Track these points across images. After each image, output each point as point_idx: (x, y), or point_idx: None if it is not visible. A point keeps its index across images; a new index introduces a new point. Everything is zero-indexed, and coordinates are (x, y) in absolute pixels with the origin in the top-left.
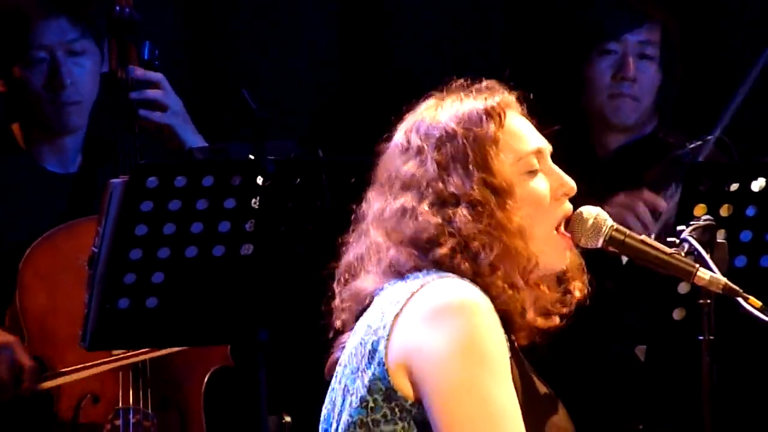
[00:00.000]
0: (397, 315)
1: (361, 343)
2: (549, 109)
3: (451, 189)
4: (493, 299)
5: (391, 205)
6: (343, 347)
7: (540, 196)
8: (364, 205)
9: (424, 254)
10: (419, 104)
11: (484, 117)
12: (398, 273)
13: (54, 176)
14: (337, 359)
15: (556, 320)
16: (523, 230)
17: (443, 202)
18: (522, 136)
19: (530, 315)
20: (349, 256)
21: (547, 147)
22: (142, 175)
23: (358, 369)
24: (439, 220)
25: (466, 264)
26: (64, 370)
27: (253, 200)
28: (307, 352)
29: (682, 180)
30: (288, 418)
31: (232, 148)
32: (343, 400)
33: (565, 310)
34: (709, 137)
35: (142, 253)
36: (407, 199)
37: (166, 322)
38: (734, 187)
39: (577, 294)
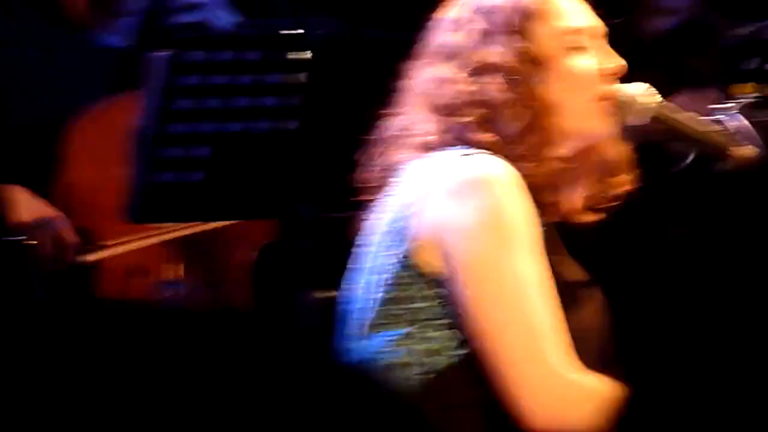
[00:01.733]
0: (424, 192)
1: (390, 222)
2: None
3: (491, 58)
4: (519, 170)
5: (433, 72)
6: (371, 213)
7: (582, 72)
8: (405, 80)
9: (454, 124)
10: None
11: None
12: (427, 148)
13: (106, 52)
14: (363, 225)
15: (599, 215)
16: (556, 106)
17: (482, 71)
18: (569, 13)
19: (568, 197)
20: (384, 129)
21: (598, 27)
22: (187, 48)
23: (389, 247)
24: (474, 87)
25: (493, 135)
26: (108, 243)
27: (300, 75)
28: (351, 228)
29: (729, 58)
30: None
31: (278, 23)
32: (377, 278)
33: (610, 203)
34: (761, 24)
35: (186, 127)
36: (448, 68)
37: (211, 196)
38: None
39: (622, 186)
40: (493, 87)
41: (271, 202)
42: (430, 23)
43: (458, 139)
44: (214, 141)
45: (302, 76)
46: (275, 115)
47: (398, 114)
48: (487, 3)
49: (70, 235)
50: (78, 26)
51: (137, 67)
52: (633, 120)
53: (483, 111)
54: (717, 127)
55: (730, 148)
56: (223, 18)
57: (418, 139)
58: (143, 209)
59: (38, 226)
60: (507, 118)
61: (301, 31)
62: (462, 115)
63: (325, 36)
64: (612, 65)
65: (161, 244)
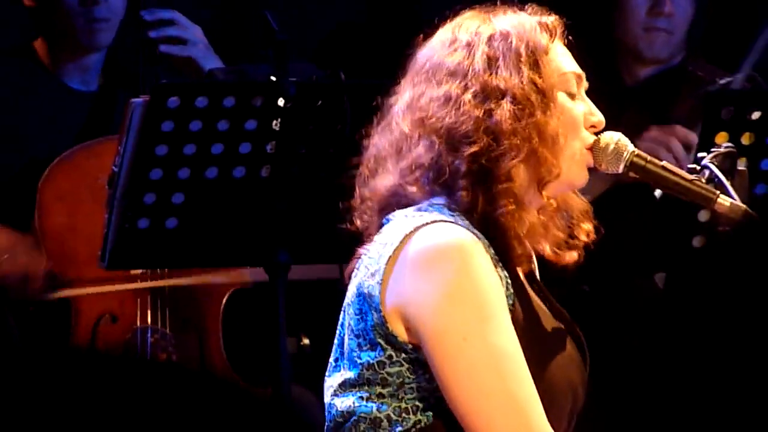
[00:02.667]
0: (390, 258)
1: (360, 286)
2: (579, 37)
3: (499, 82)
4: (494, 217)
5: (432, 92)
6: (359, 258)
7: (576, 118)
8: (391, 98)
9: (452, 152)
10: (454, 16)
11: (538, 28)
12: (414, 181)
13: (77, 94)
14: (353, 269)
15: (566, 257)
16: (556, 139)
17: (488, 95)
18: (566, 57)
19: (538, 244)
20: (371, 150)
21: (583, 75)
22: (163, 95)
23: (360, 311)
24: (479, 113)
25: (484, 170)
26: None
27: (274, 122)
28: (326, 274)
29: (703, 107)
30: (306, 341)
31: (254, 69)
32: (350, 339)
33: (574, 253)
34: (739, 74)
35: (162, 172)
36: (451, 87)
37: (185, 243)
38: (756, 115)
39: (584, 237)
40: (499, 113)
41: (247, 249)
42: (418, 43)
43: (446, 186)
44: (189, 187)
45: (276, 123)
46: (251, 162)
47: (384, 133)
48: (488, 29)
49: (39, 264)
50: (51, 69)
51: (111, 111)
52: (608, 167)
53: (485, 140)
54: (692, 176)
55: (715, 199)
56: (211, 61)
57: (405, 164)
58: (116, 255)
59: (7, 254)
60: (505, 148)
61: (274, 78)
62: (467, 142)
63: (300, 83)
64: (595, 118)
65: (134, 291)
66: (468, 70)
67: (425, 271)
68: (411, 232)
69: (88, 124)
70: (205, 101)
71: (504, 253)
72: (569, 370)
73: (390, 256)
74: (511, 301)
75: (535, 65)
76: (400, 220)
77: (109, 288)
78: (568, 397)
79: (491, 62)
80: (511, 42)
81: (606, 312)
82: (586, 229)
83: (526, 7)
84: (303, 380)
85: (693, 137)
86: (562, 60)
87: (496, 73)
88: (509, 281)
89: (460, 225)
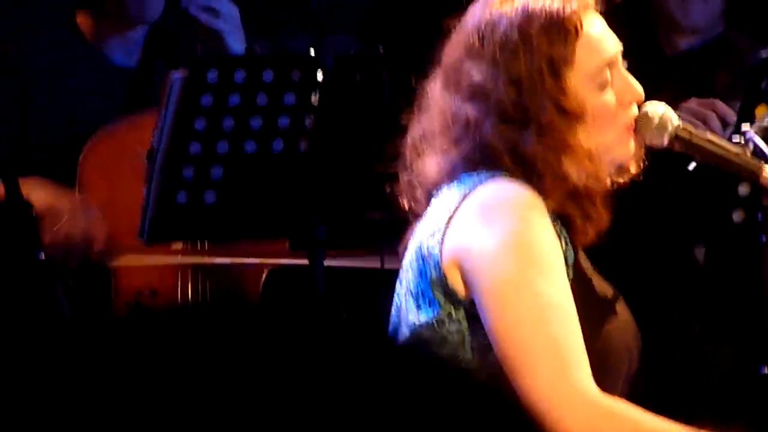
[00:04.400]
0: (450, 217)
1: (419, 247)
2: (617, 7)
3: (523, 110)
4: (551, 202)
5: (458, 110)
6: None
7: (610, 110)
8: (429, 83)
9: (486, 134)
10: None
11: (560, 31)
12: (460, 163)
13: (118, 69)
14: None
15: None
16: (591, 153)
17: (511, 120)
18: (596, 46)
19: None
20: (414, 132)
21: (619, 50)
22: (202, 69)
23: (419, 272)
24: (503, 140)
25: (526, 175)
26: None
27: (313, 96)
28: (366, 246)
29: (744, 79)
30: (344, 315)
31: (292, 44)
32: (408, 303)
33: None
34: None
35: (201, 147)
36: (473, 110)
37: (224, 217)
38: None
39: (632, 169)
40: (524, 140)
41: (285, 223)
42: (450, 24)
43: (485, 156)
44: (228, 161)
45: (315, 98)
46: (289, 136)
47: (425, 116)
48: (510, 35)
49: (101, 227)
50: (93, 43)
51: (151, 86)
52: (652, 140)
53: (514, 160)
54: (737, 149)
55: (760, 172)
56: (239, 40)
57: (451, 152)
58: (156, 228)
59: (69, 216)
60: (539, 169)
61: (312, 52)
62: (490, 161)
63: (339, 56)
64: (631, 95)
65: (173, 265)
66: (491, 94)
67: (484, 222)
68: (470, 191)
69: (130, 98)
70: (243, 75)
71: (569, 223)
72: (626, 334)
73: (450, 216)
74: (572, 260)
75: (559, 85)
76: (455, 185)
77: (159, 261)
78: (625, 361)
79: (513, 86)
80: (532, 59)
81: (646, 283)
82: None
83: None
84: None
85: (731, 114)
86: (590, 54)
87: (519, 98)
88: (568, 240)
89: (518, 182)
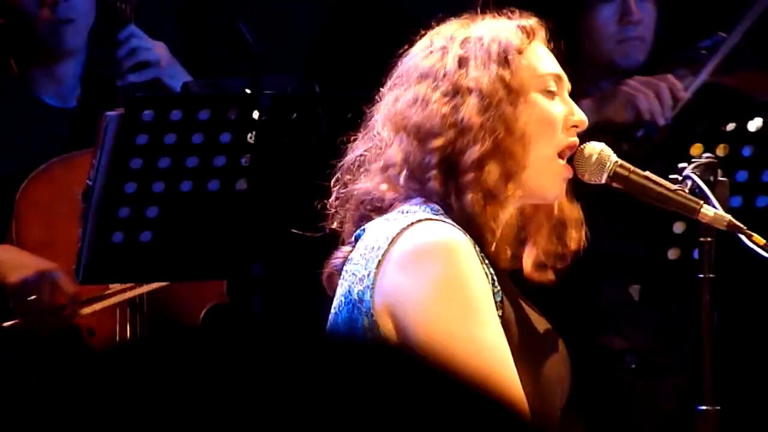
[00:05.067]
0: (379, 262)
1: (347, 293)
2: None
3: (466, 80)
4: (465, 208)
5: (405, 95)
6: (337, 260)
7: (552, 118)
8: (375, 105)
9: (421, 148)
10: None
11: (516, 30)
12: (387, 179)
13: (52, 110)
14: (331, 272)
15: (551, 275)
16: (526, 137)
17: (455, 92)
18: (545, 59)
19: (516, 249)
20: (352, 154)
21: (563, 75)
22: (137, 108)
23: (350, 318)
24: (447, 109)
25: (452, 161)
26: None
27: (249, 135)
28: (302, 287)
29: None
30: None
31: (228, 82)
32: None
33: (560, 264)
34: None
35: (136, 186)
36: (421, 88)
37: (160, 256)
38: (731, 126)
39: (572, 245)
40: (464, 108)
41: (222, 262)
42: (401, 52)
43: (418, 182)
44: (164, 200)
45: (251, 136)
46: (225, 175)
47: (365, 138)
48: (464, 33)
49: (70, 287)
50: (26, 85)
51: (88, 126)
52: (590, 177)
53: (450, 133)
54: (675, 186)
55: (698, 209)
56: (176, 76)
57: (379, 166)
58: (91, 270)
59: (36, 280)
60: (470, 139)
61: (249, 91)
62: (426, 139)
63: (275, 95)
64: (576, 118)
65: (112, 306)
66: (439, 72)
67: (413, 268)
68: (398, 234)
69: (69, 140)
70: (179, 114)
71: (481, 248)
72: (559, 365)
73: (379, 260)
74: (499, 298)
75: (505, 62)
76: (383, 224)
77: (111, 301)
78: (558, 393)
79: (462, 63)
80: (483, 43)
81: (582, 323)
82: (576, 237)
83: (511, 12)
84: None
85: (682, 92)
86: (539, 61)
87: (467, 72)
88: (495, 278)
89: (445, 222)
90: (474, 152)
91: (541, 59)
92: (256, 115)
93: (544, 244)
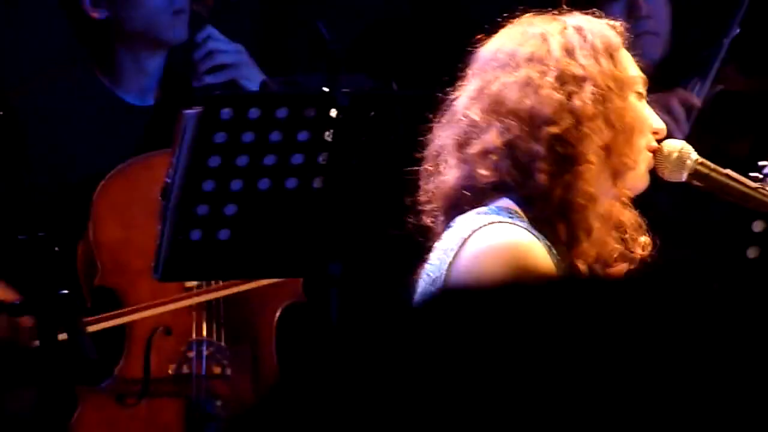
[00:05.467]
0: (449, 264)
1: (422, 294)
2: None
3: (577, 69)
4: (570, 202)
5: (507, 78)
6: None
7: (646, 117)
8: (452, 94)
9: (531, 135)
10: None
11: (606, 30)
12: (488, 167)
13: (132, 108)
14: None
15: (621, 268)
16: (633, 131)
17: (567, 80)
18: (633, 63)
19: (593, 264)
20: (433, 145)
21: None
22: (216, 106)
23: None
24: (561, 96)
25: (564, 153)
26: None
27: (327, 133)
28: (379, 286)
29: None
30: None
31: (306, 80)
32: None
33: (629, 264)
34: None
35: (215, 184)
36: (529, 72)
37: (238, 255)
38: None
39: (640, 251)
40: (579, 98)
41: (299, 261)
42: (476, 44)
43: (521, 171)
44: (242, 199)
45: (328, 134)
46: (303, 173)
47: (447, 126)
48: (560, 24)
49: (24, 321)
50: (107, 83)
51: (165, 125)
52: (670, 176)
53: (568, 120)
54: (755, 184)
55: None
56: (252, 76)
57: (470, 154)
58: (169, 267)
59: None
60: (584, 132)
61: (326, 89)
62: (547, 122)
63: (352, 94)
64: (657, 124)
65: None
66: (545, 56)
67: (479, 270)
68: (469, 235)
69: (146, 139)
70: (257, 112)
71: (571, 242)
72: None
73: (450, 262)
74: None
75: (611, 58)
76: (460, 224)
77: (162, 309)
78: None
79: (569, 51)
80: (586, 35)
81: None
82: (642, 243)
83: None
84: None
85: (694, 98)
86: (630, 63)
87: (574, 59)
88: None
89: (518, 225)
90: (590, 144)
91: (631, 62)
92: (333, 113)
93: (612, 243)
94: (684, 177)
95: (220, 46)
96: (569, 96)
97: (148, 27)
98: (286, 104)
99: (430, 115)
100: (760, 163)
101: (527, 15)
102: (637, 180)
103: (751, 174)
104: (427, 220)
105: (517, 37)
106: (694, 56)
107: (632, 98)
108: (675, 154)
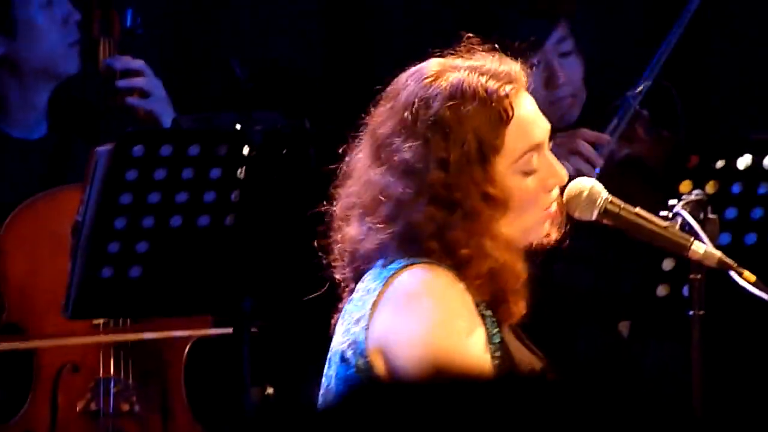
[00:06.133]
0: (373, 303)
1: (344, 333)
2: None
3: (451, 194)
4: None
5: (387, 186)
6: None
7: (531, 196)
8: (355, 152)
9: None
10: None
11: (492, 116)
12: (389, 242)
13: (17, 143)
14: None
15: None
16: (511, 242)
17: (441, 203)
18: (525, 130)
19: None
20: (342, 202)
21: (546, 131)
22: (128, 144)
23: (345, 358)
24: (433, 224)
25: (451, 258)
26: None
27: (239, 170)
28: (291, 323)
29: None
30: (271, 390)
31: (218, 118)
32: (336, 388)
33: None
34: (645, 83)
35: (126, 221)
36: (406, 187)
37: (149, 292)
38: (720, 163)
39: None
40: (451, 224)
41: (211, 298)
42: (386, 92)
43: (413, 236)
44: (154, 236)
45: (241, 172)
46: (215, 211)
47: (356, 183)
48: (441, 116)
49: None
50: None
51: (61, 154)
52: (581, 215)
53: (440, 244)
54: (665, 223)
55: (689, 246)
56: (167, 112)
57: (374, 235)
58: (80, 305)
59: None
60: (462, 256)
61: (239, 126)
62: (417, 240)
63: (265, 131)
64: (554, 179)
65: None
66: (423, 175)
67: (403, 309)
68: (392, 276)
69: (47, 171)
70: (169, 149)
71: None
72: None
73: (374, 301)
74: (498, 340)
75: (487, 174)
76: (380, 268)
77: (73, 341)
78: None
79: (443, 170)
80: (465, 147)
81: (570, 359)
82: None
83: (490, 54)
84: (268, 431)
85: (601, 136)
86: (519, 137)
87: (449, 183)
88: (494, 320)
89: (437, 265)
90: (471, 262)
91: (522, 134)
92: (246, 150)
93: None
94: (594, 216)
95: (149, 72)
96: (442, 221)
97: (46, 62)
98: (198, 141)
99: (341, 153)
100: (670, 202)
101: (426, 63)
102: (533, 238)
103: (662, 213)
104: (339, 276)
105: (404, 125)
106: (602, 109)
107: (517, 182)
108: (585, 193)
